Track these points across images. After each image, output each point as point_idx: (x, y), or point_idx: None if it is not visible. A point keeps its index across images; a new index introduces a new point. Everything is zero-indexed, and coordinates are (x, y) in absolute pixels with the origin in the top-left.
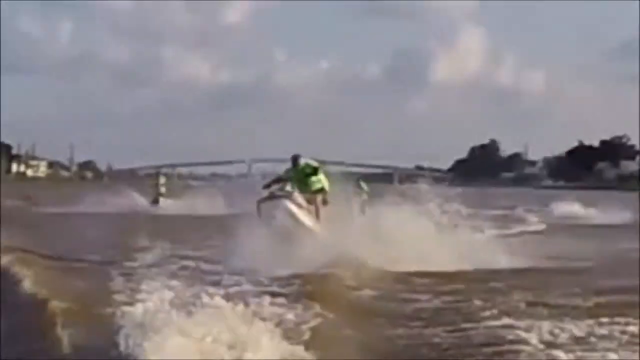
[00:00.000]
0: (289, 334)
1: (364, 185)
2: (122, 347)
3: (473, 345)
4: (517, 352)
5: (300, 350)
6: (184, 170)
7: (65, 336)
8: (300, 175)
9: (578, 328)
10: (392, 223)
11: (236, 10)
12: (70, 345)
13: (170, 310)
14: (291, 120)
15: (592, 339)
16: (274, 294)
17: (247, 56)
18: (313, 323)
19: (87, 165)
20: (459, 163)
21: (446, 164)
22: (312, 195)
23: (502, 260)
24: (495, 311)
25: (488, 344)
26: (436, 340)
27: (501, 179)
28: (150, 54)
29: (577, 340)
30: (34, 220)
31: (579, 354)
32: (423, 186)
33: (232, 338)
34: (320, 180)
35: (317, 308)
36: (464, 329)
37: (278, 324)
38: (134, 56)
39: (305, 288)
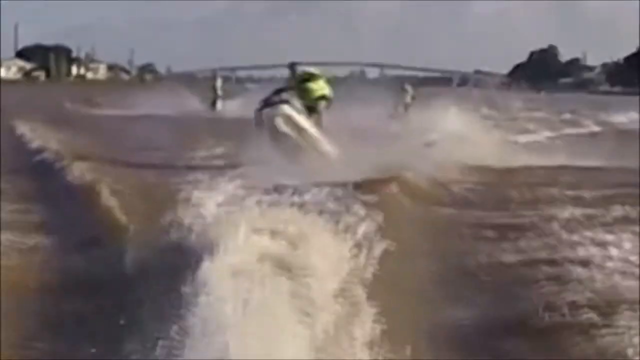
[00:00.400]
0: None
1: (408, 87)
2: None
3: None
4: None
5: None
6: (242, 74)
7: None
8: (299, 84)
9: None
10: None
11: None
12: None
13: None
14: (353, 25)
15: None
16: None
17: None
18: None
19: (146, 68)
20: (518, 67)
21: (506, 69)
22: (314, 103)
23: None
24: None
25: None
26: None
27: (559, 83)
28: None
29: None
30: (95, 121)
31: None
32: (479, 90)
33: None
34: (322, 87)
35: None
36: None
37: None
38: None
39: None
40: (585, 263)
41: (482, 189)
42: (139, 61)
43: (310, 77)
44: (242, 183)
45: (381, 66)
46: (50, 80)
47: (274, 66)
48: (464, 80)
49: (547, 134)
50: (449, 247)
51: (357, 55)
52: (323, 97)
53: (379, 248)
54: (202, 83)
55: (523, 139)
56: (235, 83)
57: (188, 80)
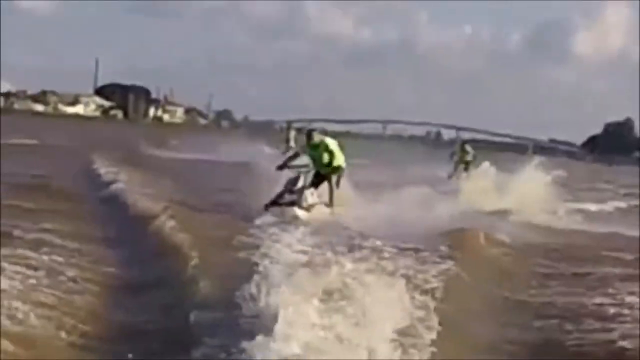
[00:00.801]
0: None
1: (469, 148)
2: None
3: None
4: None
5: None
6: (318, 126)
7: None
8: (314, 152)
9: None
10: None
11: None
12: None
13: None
14: (429, 83)
15: None
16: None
17: (390, 15)
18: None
19: (223, 114)
20: (593, 139)
21: (580, 138)
22: (328, 174)
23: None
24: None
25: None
26: None
27: (633, 157)
28: (294, 6)
29: None
30: (170, 164)
31: None
32: (552, 159)
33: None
34: (336, 158)
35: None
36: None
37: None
38: (278, 8)
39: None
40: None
41: (548, 245)
42: (217, 105)
43: (327, 149)
44: (316, 241)
45: (457, 128)
46: (127, 120)
47: (348, 121)
48: (538, 148)
49: (612, 204)
50: (519, 284)
51: (433, 114)
52: (337, 168)
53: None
54: (278, 133)
55: (586, 207)
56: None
57: (264, 129)
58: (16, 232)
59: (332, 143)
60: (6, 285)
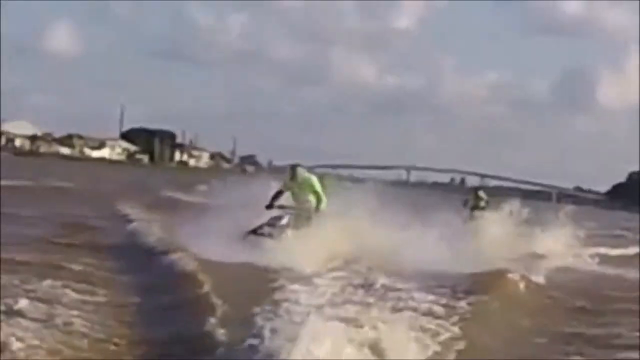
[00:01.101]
0: None
1: (482, 194)
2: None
3: None
4: None
5: None
6: (344, 172)
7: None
8: (298, 189)
9: None
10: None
11: (404, 15)
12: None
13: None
14: (453, 131)
15: None
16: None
17: (414, 62)
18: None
19: (248, 159)
20: (617, 187)
21: (605, 186)
22: (303, 206)
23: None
24: None
25: None
26: None
27: None
28: (318, 54)
29: None
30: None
31: None
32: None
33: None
34: (319, 199)
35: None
36: None
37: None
38: (302, 55)
39: None
40: None
41: (575, 285)
42: (241, 149)
43: (311, 188)
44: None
45: (482, 176)
46: (153, 164)
47: (372, 167)
48: (562, 195)
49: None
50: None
51: (457, 161)
52: (317, 208)
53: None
54: None
55: (609, 251)
56: (338, 180)
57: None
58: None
59: (317, 183)
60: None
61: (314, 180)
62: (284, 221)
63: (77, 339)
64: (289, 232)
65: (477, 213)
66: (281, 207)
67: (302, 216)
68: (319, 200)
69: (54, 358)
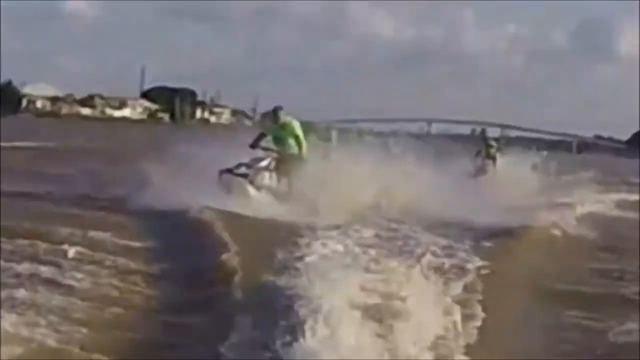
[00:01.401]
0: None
1: (493, 142)
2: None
3: None
4: None
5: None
6: (364, 126)
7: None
8: (279, 133)
9: None
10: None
11: None
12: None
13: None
14: (473, 83)
15: None
16: None
17: (433, 15)
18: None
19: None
20: (636, 135)
21: (626, 135)
22: (287, 159)
23: None
24: None
25: None
26: None
27: None
28: (337, 7)
29: None
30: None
31: None
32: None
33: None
34: (299, 143)
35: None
36: None
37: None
38: (321, 9)
39: None
40: None
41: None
42: (263, 107)
43: (293, 132)
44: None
45: (502, 126)
46: (174, 122)
47: (394, 120)
48: (583, 145)
49: None
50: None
51: (478, 113)
52: (297, 155)
53: None
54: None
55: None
56: (358, 135)
57: (308, 129)
58: None
59: (298, 127)
60: None
61: (295, 124)
62: (264, 163)
63: (119, 273)
64: (267, 175)
65: (487, 162)
66: (265, 149)
67: (284, 160)
68: (299, 144)
69: (109, 292)
